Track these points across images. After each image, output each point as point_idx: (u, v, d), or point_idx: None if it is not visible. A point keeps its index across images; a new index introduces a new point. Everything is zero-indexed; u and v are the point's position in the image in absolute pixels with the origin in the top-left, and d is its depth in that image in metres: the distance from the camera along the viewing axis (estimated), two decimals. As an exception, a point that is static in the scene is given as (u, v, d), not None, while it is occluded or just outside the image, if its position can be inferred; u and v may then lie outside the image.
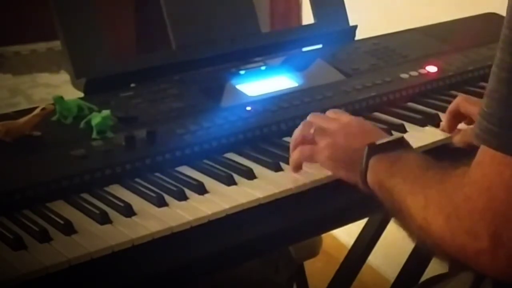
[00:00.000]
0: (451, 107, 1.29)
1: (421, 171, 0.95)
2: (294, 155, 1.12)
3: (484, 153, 0.82)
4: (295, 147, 1.12)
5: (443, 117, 1.31)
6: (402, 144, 1.05)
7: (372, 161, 1.02)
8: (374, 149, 1.03)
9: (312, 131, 1.11)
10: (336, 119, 1.13)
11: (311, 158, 1.11)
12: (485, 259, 0.81)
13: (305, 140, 1.12)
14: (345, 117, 1.14)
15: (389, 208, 0.99)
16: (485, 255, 0.81)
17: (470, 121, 1.28)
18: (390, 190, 0.97)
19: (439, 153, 1.26)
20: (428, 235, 0.88)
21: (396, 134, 1.07)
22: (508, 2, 0.81)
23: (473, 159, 0.84)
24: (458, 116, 1.29)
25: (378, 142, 1.05)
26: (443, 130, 1.29)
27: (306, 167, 1.13)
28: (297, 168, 1.12)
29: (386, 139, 1.07)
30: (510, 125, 0.79)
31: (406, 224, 0.94)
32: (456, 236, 0.83)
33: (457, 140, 1.27)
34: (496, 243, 0.80)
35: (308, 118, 1.16)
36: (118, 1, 2.36)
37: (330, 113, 1.18)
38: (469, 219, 0.82)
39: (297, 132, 1.14)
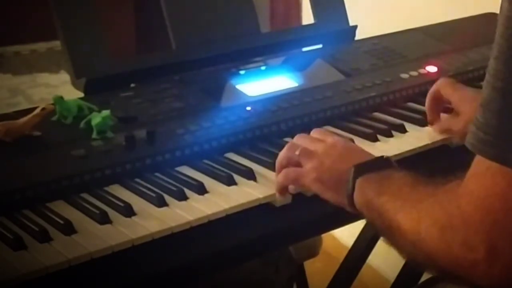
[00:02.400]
0: (432, 90, 1.28)
1: (411, 187, 0.94)
2: (279, 178, 1.09)
3: (480, 163, 0.81)
4: (280, 170, 1.10)
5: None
6: (388, 163, 1.04)
7: (359, 182, 1.00)
8: (361, 170, 1.01)
9: (297, 153, 1.09)
10: (322, 140, 1.11)
11: (296, 181, 1.08)
12: (481, 271, 0.81)
13: (290, 163, 1.10)
14: (330, 138, 1.11)
15: (379, 227, 0.97)
16: (481, 266, 0.80)
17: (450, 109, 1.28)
18: (380, 209, 0.95)
19: (439, 153, 1.26)
20: (421, 250, 0.87)
21: (381, 154, 1.06)
22: (500, 11, 0.81)
23: (467, 171, 0.83)
24: (439, 100, 1.28)
25: (364, 161, 1.03)
26: (434, 130, 1.29)
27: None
28: (283, 191, 1.09)
29: (371, 157, 1.05)
30: (506, 135, 0.78)
31: (396, 242, 0.92)
32: (451, 248, 0.82)
33: (437, 129, 1.27)
34: (492, 255, 0.79)
35: (294, 139, 1.14)
36: (118, 1, 2.36)
37: (315, 133, 1.15)
38: (465, 230, 0.81)
39: (282, 154, 1.11)
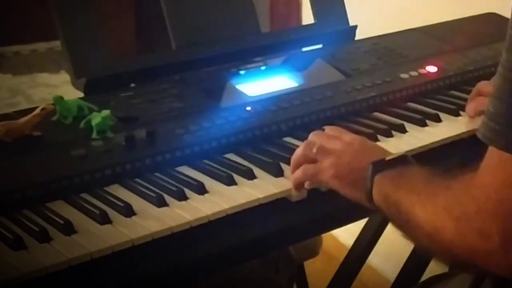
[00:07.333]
0: (473, 93, 1.33)
1: (427, 181, 0.95)
2: (297, 174, 1.10)
3: (492, 154, 0.82)
4: (297, 166, 1.11)
5: (467, 106, 1.34)
6: (406, 160, 1.05)
7: (377, 178, 1.02)
8: (379, 167, 1.02)
9: (314, 150, 1.10)
10: (338, 138, 1.12)
11: (315, 177, 1.09)
12: (496, 259, 0.82)
13: (307, 160, 1.11)
14: (346, 136, 1.12)
15: (396, 222, 0.98)
16: (496, 255, 0.82)
17: None
18: (397, 203, 0.97)
19: (439, 153, 1.26)
20: (437, 241, 0.89)
21: (399, 152, 1.07)
22: None
23: (480, 163, 0.84)
24: (480, 100, 1.30)
25: (383, 159, 1.04)
26: (468, 115, 1.33)
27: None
28: (299, 187, 1.10)
29: (390, 156, 1.06)
30: None
31: (414, 235, 0.94)
32: (467, 238, 0.84)
33: (470, 109, 1.31)
34: (506, 243, 0.81)
35: (310, 137, 1.14)
36: (118, 1, 2.36)
37: (330, 130, 1.16)
38: (479, 220, 0.82)
39: (298, 152, 1.12)
